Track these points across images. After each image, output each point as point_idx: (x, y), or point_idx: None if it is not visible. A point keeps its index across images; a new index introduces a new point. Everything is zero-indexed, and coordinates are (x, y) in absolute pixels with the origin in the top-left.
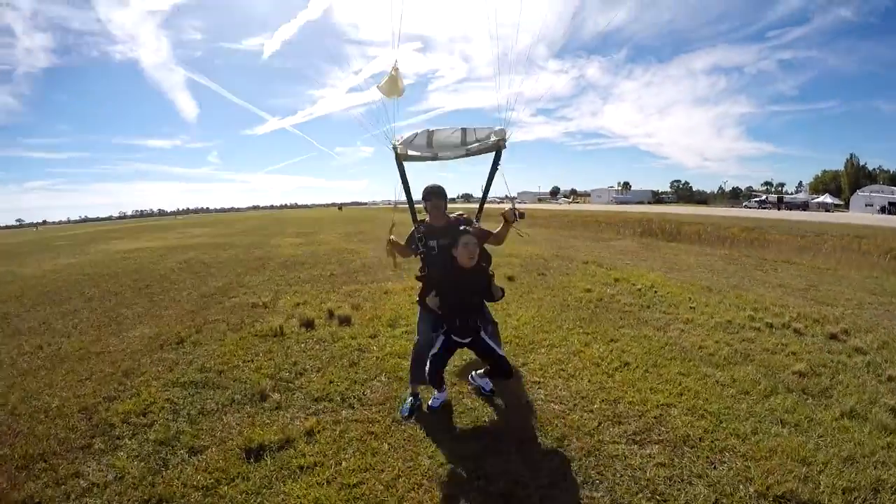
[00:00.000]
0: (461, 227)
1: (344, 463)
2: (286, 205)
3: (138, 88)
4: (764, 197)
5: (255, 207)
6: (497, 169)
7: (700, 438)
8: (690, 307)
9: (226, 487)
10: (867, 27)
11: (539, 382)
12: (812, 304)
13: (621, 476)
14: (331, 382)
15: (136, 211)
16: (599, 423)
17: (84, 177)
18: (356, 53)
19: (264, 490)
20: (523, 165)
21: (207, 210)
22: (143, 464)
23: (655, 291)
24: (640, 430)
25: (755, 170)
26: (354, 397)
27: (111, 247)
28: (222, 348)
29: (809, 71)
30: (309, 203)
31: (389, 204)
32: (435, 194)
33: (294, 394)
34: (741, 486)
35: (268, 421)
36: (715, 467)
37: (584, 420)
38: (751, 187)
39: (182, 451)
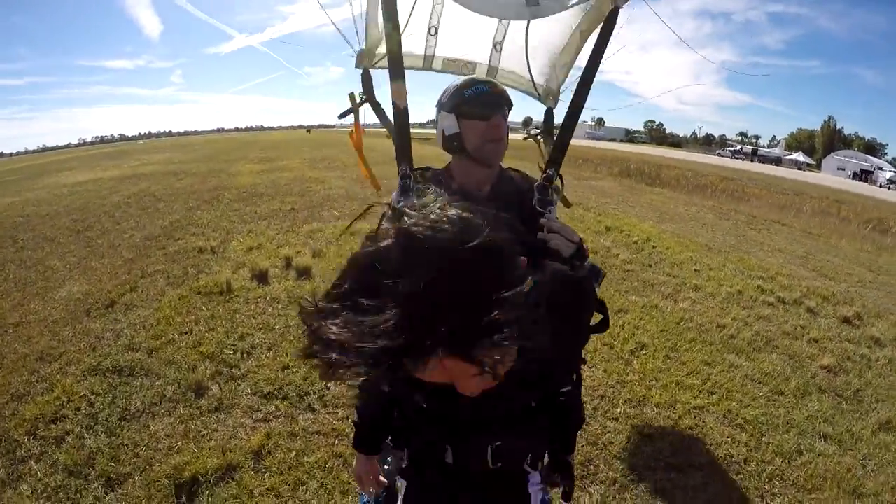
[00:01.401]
0: (544, 217)
1: None
2: (251, 127)
3: (100, 4)
4: (738, 147)
5: (220, 130)
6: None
7: (745, 460)
8: (695, 270)
9: None
10: None
11: None
12: (816, 276)
13: None
14: (285, 368)
15: (97, 137)
16: (629, 439)
17: (45, 103)
18: None
19: None
20: None
21: (170, 133)
22: None
23: (653, 246)
24: (676, 449)
25: (731, 119)
26: (314, 392)
27: (60, 179)
28: (157, 314)
29: (798, 28)
30: (275, 125)
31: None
32: (494, 104)
33: (239, 385)
34: None
35: (204, 431)
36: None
37: (609, 434)
38: (724, 136)
39: (96, 485)
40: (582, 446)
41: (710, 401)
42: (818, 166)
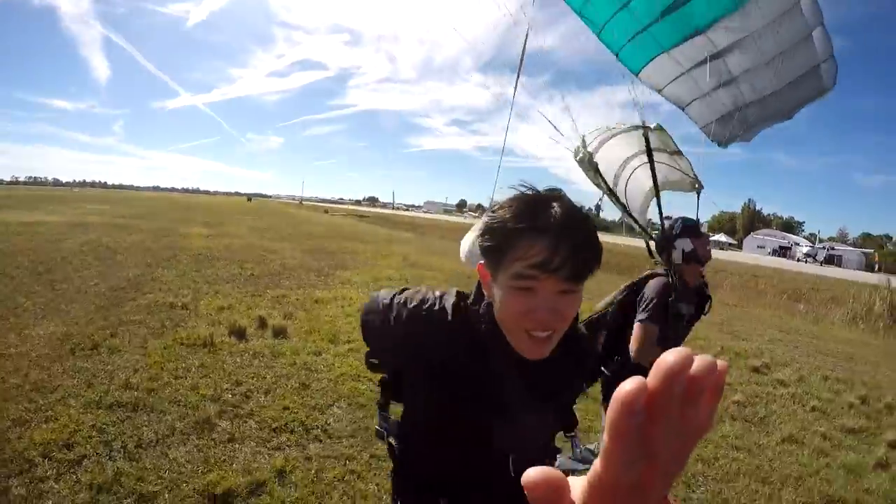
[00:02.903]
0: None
1: None
2: (188, 189)
3: (52, 40)
4: None
5: (156, 188)
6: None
7: None
8: None
9: None
10: None
11: None
12: (730, 338)
13: None
14: (286, 409)
15: (30, 177)
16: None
17: None
18: (282, 36)
19: None
20: (428, 173)
21: (105, 185)
22: None
23: None
24: None
25: (654, 204)
26: (318, 428)
27: (4, 216)
28: (147, 359)
29: None
30: (212, 190)
31: (294, 199)
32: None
33: (246, 422)
34: None
35: (224, 457)
36: (693, 491)
37: None
38: (650, 220)
39: (128, 501)
40: None
41: None
42: (740, 246)
